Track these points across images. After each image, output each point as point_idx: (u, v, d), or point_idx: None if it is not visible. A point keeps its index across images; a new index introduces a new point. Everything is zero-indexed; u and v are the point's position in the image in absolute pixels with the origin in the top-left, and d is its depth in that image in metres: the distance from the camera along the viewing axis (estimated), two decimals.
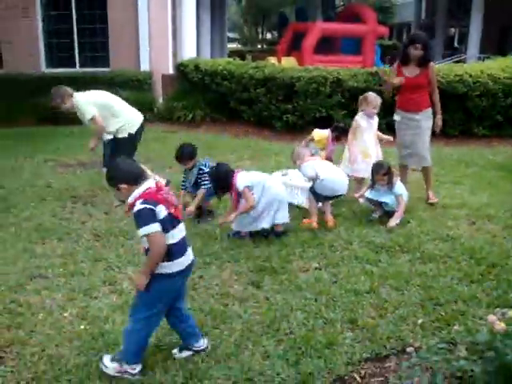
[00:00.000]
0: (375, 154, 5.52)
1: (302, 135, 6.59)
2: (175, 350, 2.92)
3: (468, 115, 9.09)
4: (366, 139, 5.51)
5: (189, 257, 2.77)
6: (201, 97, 10.81)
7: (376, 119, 5.61)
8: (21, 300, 3.53)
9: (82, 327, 3.20)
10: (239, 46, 42.24)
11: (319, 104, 9.26)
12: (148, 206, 2.52)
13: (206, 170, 4.94)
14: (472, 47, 18.05)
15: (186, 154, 4.99)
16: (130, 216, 2.72)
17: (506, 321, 2.27)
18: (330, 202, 4.98)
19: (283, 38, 18.32)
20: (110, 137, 5.69)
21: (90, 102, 5.50)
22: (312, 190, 4.88)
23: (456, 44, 27.58)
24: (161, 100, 11.56)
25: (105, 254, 4.29)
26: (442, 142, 8.33)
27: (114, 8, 11.76)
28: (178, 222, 2.69)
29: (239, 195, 4.48)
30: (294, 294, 3.57)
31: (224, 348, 2.96)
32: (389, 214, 4.90)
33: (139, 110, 5.95)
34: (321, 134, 5.98)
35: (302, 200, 5.30)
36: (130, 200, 2.60)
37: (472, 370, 2.26)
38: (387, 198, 4.93)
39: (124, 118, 5.66)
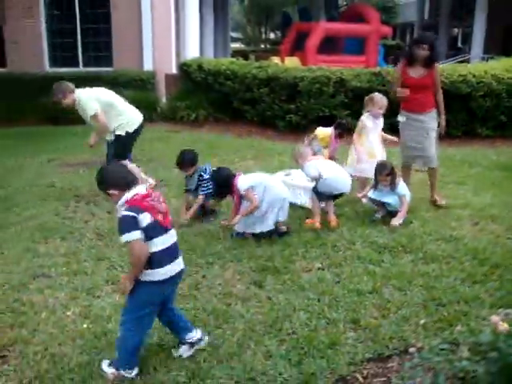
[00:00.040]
0: (380, 154, 5.52)
1: (305, 135, 6.58)
2: (174, 350, 2.93)
3: (471, 115, 9.06)
4: (372, 140, 5.50)
5: (178, 266, 2.74)
6: (204, 96, 10.81)
7: (382, 120, 5.60)
8: (24, 299, 3.54)
9: (85, 326, 3.21)
10: (242, 45, 42.23)
11: (322, 104, 9.25)
12: (131, 214, 2.53)
13: (206, 176, 4.94)
14: (476, 47, 18.03)
15: (187, 161, 4.98)
16: None
17: (510, 321, 2.26)
18: (333, 201, 4.97)
19: (286, 37, 18.35)
20: (114, 137, 5.71)
21: (92, 98, 5.49)
22: (315, 190, 4.87)
23: (460, 44, 27.55)
24: (164, 100, 11.57)
25: (107, 253, 4.30)
26: (445, 143, 8.29)
27: (117, 8, 11.79)
28: (166, 230, 2.67)
29: (241, 198, 4.49)
30: (296, 294, 3.57)
31: (226, 347, 2.96)
32: (392, 215, 4.89)
33: (142, 109, 5.96)
34: (324, 131, 5.98)
35: (305, 200, 5.29)
36: (119, 205, 2.63)
37: (475, 371, 2.25)
38: (390, 199, 4.92)
39: (126, 117, 5.67)
